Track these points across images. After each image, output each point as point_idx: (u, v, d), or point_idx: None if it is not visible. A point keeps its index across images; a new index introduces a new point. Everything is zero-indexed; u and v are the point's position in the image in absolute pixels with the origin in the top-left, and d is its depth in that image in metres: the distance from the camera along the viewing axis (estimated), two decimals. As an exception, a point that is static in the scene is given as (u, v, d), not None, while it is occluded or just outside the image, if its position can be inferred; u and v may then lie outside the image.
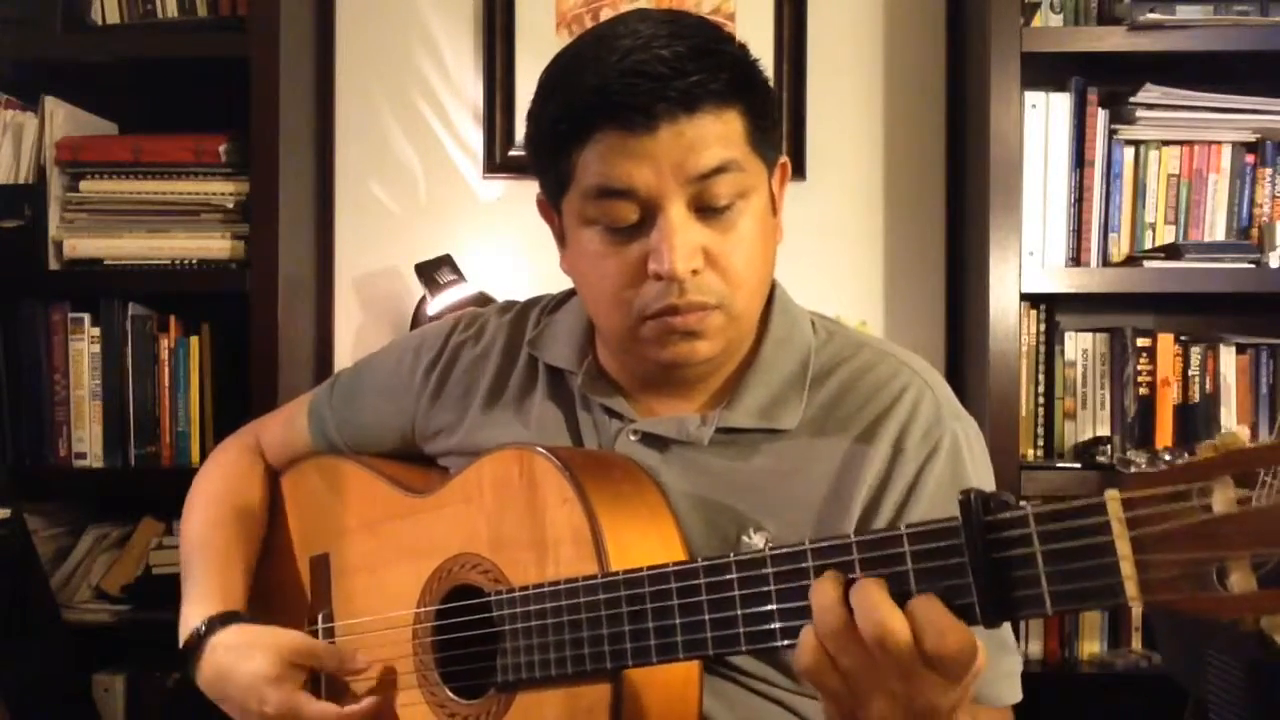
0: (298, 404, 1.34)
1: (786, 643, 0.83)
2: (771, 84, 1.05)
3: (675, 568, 0.89)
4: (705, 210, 0.98)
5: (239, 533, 1.26)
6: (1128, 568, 0.68)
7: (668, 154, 0.95)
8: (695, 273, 0.98)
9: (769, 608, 0.83)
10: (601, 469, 1.02)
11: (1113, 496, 0.69)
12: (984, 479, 1.06)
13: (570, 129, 0.98)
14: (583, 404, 1.12)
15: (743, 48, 1.02)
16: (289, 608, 1.24)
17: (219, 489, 1.30)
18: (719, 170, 0.96)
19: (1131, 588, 0.68)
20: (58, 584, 2.06)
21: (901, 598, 0.77)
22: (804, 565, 0.82)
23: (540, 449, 1.02)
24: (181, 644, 1.15)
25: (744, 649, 0.86)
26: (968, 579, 0.74)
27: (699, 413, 1.07)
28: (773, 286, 1.11)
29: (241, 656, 1.10)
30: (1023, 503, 0.75)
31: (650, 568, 0.90)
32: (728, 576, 0.85)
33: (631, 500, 1.00)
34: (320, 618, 1.20)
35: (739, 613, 0.85)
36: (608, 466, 1.04)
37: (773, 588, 0.83)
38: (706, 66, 0.95)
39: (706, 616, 0.86)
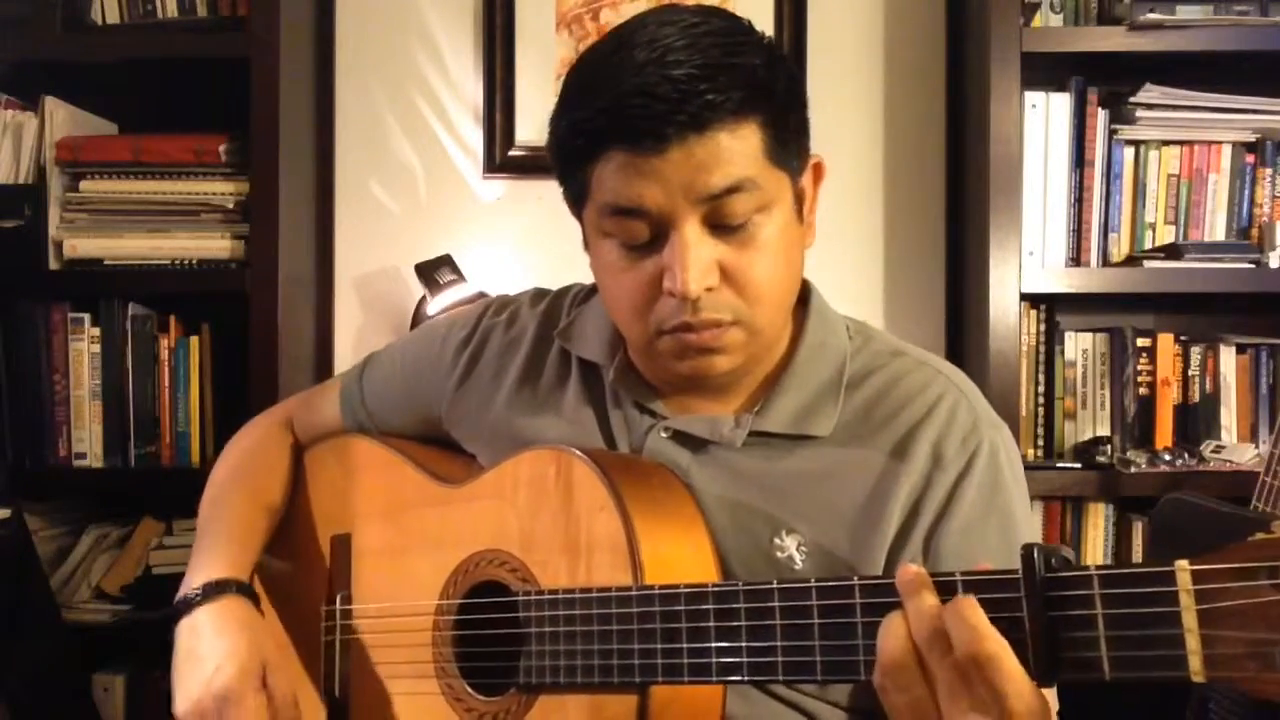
0: (329, 385, 1.34)
1: (826, 678, 0.81)
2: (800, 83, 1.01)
3: (715, 588, 0.87)
4: (721, 227, 0.97)
5: (257, 502, 1.25)
6: (1193, 641, 0.67)
7: (678, 174, 0.94)
8: (711, 290, 0.97)
9: (810, 642, 0.82)
10: (640, 476, 1.01)
11: (1182, 567, 0.67)
12: (1020, 487, 1.05)
13: (585, 144, 0.97)
14: (614, 398, 1.11)
15: (768, 51, 0.98)
16: (306, 584, 1.24)
17: (243, 459, 1.29)
18: (732, 190, 0.95)
19: (1196, 662, 0.67)
20: (58, 584, 2.05)
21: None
22: (851, 601, 0.80)
23: (579, 452, 1.01)
24: (180, 595, 1.13)
25: (781, 679, 0.85)
26: (1023, 634, 0.73)
27: (733, 414, 1.07)
28: (808, 290, 1.11)
29: (233, 628, 1.09)
30: (1087, 565, 0.73)
31: (689, 585, 0.89)
32: (770, 604, 0.84)
33: (668, 509, 0.99)
34: (339, 599, 1.20)
35: (779, 643, 0.83)
36: (646, 474, 1.03)
37: (816, 621, 0.82)
38: (720, 85, 0.92)
39: (744, 643, 0.85)
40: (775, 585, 0.84)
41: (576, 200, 1.03)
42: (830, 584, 0.82)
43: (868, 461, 1.02)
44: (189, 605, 1.11)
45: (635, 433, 1.08)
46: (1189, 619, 0.67)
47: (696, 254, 0.95)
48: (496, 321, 1.21)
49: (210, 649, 1.07)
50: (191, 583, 1.13)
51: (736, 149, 0.94)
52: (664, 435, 1.06)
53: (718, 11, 1.00)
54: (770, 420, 1.04)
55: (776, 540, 1.00)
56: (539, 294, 1.23)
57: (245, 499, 1.24)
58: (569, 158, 1.00)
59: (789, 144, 0.99)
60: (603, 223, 1.00)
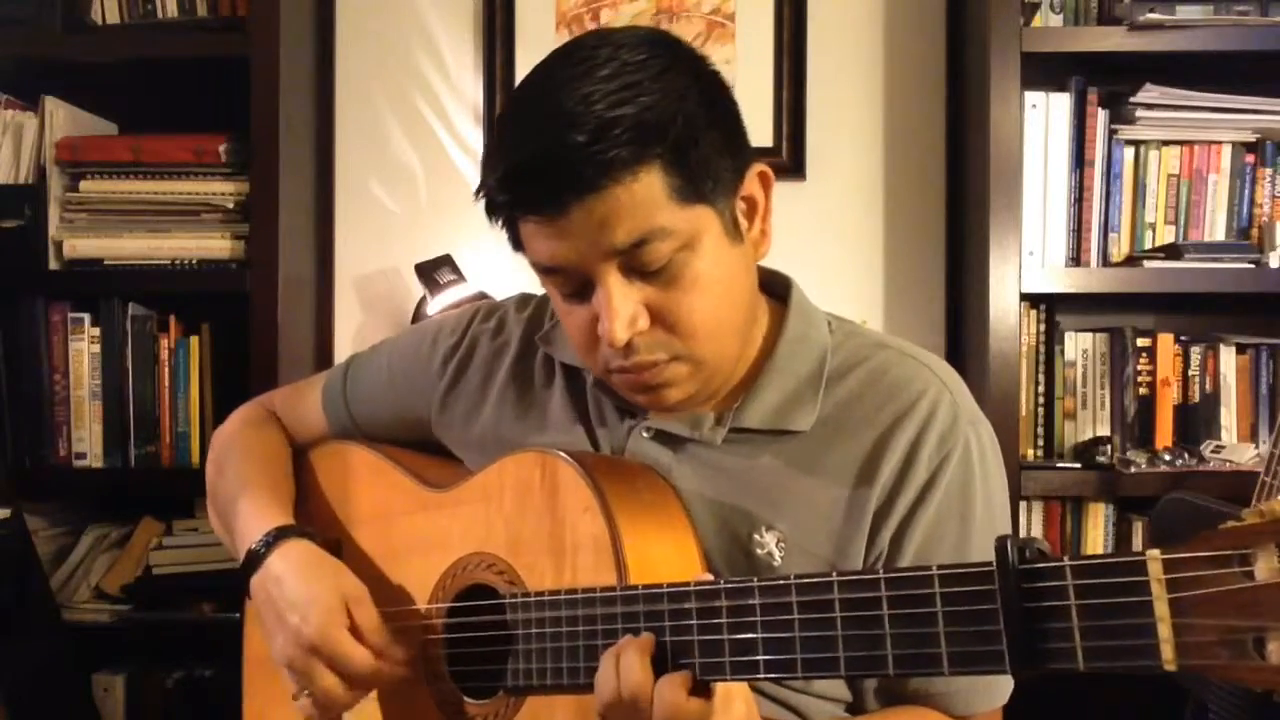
0: (310, 384, 1.33)
1: (807, 674, 0.82)
2: (728, 94, 0.99)
3: (697, 587, 0.87)
4: (641, 271, 0.96)
5: (278, 471, 1.25)
6: (1165, 630, 0.66)
7: (583, 232, 0.94)
8: (642, 333, 0.97)
9: (789, 635, 0.82)
10: (624, 477, 1.01)
11: (1154, 556, 0.67)
12: (995, 484, 1.05)
13: (502, 203, 0.99)
14: (595, 401, 1.11)
15: (664, 81, 0.94)
16: None
17: (248, 439, 1.29)
18: (640, 243, 0.94)
19: (1168, 650, 0.66)
20: (58, 584, 2.06)
21: (926, 640, 0.76)
22: (830, 597, 0.80)
23: (563, 454, 1.01)
24: (246, 550, 1.13)
25: (763, 676, 0.85)
26: (998, 625, 0.73)
27: (713, 411, 1.07)
28: (790, 287, 1.11)
29: (306, 572, 1.09)
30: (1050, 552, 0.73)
31: (671, 584, 0.89)
32: (750, 601, 0.84)
33: (653, 510, 0.99)
34: None
35: (759, 637, 0.83)
36: (631, 475, 1.02)
37: (796, 616, 0.82)
38: (610, 143, 0.91)
39: (725, 638, 0.85)
40: (755, 583, 0.84)
41: (516, 249, 1.05)
42: (809, 580, 0.82)
43: (847, 457, 1.02)
44: (257, 558, 1.11)
45: (617, 433, 1.09)
46: (1160, 608, 0.66)
47: (619, 304, 0.96)
48: (484, 328, 1.21)
49: (290, 598, 1.07)
50: (250, 536, 1.13)
51: (637, 201, 0.93)
52: (645, 435, 1.07)
53: (626, 40, 0.96)
54: (750, 416, 1.04)
55: (756, 537, 1.01)
56: (524, 300, 1.24)
57: (265, 467, 1.24)
58: (494, 216, 1.02)
59: (699, 177, 0.95)
60: (537, 274, 1.03)
